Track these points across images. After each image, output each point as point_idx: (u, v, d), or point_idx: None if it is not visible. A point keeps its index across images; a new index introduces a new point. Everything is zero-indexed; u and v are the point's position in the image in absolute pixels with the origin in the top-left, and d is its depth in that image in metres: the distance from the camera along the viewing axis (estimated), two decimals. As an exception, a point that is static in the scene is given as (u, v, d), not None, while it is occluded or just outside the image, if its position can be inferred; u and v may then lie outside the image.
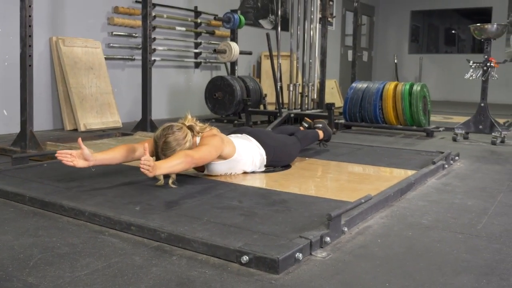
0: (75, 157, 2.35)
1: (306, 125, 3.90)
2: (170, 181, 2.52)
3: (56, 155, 2.38)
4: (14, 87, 4.56)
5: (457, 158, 3.61)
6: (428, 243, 1.90)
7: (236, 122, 5.99)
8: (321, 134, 3.69)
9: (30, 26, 3.51)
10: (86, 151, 2.36)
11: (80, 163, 2.37)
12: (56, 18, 5.11)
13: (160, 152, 2.53)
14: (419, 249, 1.83)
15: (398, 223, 2.13)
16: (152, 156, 2.58)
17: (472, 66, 4.65)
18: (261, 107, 6.64)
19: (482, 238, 1.97)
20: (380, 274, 1.60)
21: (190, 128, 2.63)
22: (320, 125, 3.76)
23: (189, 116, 2.70)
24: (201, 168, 2.79)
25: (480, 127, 4.67)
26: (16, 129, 4.35)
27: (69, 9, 5.21)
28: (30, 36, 3.51)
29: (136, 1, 5.81)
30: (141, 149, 2.60)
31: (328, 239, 1.82)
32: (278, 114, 5.87)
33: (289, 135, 3.39)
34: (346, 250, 1.80)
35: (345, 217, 1.99)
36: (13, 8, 4.46)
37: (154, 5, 5.78)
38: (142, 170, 2.14)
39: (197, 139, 2.66)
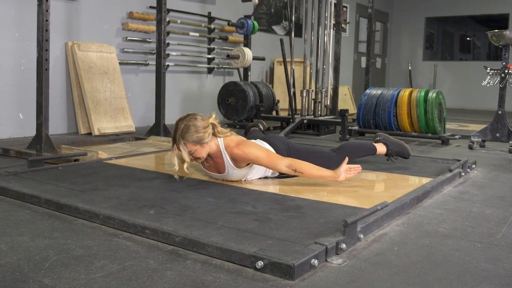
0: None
1: (261, 127, 3.83)
2: (185, 166, 2.59)
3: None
4: (29, 91, 4.61)
5: (474, 166, 3.56)
6: (446, 251, 1.86)
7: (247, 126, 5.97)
8: (380, 147, 3.35)
9: (47, 30, 3.54)
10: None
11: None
12: (72, 23, 5.15)
13: (179, 134, 2.57)
14: (437, 257, 1.80)
15: (415, 231, 2.10)
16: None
17: (490, 73, 4.60)
18: (274, 113, 6.62)
19: (502, 247, 1.93)
20: (397, 282, 1.57)
21: (212, 125, 2.68)
22: (378, 138, 3.42)
23: (214, 116, 2.75)
24: (217, 171, 2.77)
25: (497, 135, 4.61)
26: (31, 132, 4.39)
27: (84, 15, 5.26)
28: (47, 40, 3.54)
29: (150, 7, 5.85)
30: None
31: (344, 245, 1.80)
32: (291, 120, 5.85)
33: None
34: (362, 258, 1.77)
35: (361, 224, 1.97)
36: (30, 13, 4.52)
37: (168, 10, 5.80)
38: (353, 175, 2.65)
39: (219, 141, 2.66)
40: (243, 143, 2.68)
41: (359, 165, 2.71)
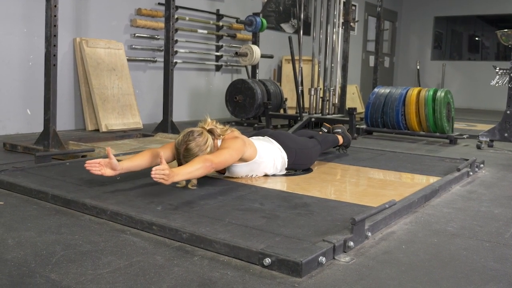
0: (103, 166, 2.36)
1: (326, 130, 3.87)
2: (190, 184, 2.51)
3: (85, 165, 2.37)
4: (37, 86, 4.62)
5: (482, 165, 3.54)
6: (454, 250, 1.85)
7: (256, 125, 5.97)
8: (340, 139, 3.68)
9: (55, 26, 3.54)
10: (114, 161, 2.36)
11: (108, 172, 2.37)
12: (80, 19, 5.16)
13: (182, 158, 2.51)
14: (445, 256, 1.79)
15: (422, 230, 2.09)
16: (172, 160, 2.62)
17: (499, 73, 4.57)
18: (282, 111, 6.61)
19: (510, 247, 1.91)
20: (405, 281, 1.56)
21: (211, 131, 2.61)
22: (339, 130, 3.74)
23: (209, 120, 2.67)
24: (222, 170, 2.78)
25: (506, 135, 4.58)
26: (38, 128, 4.41)
27: (92, 11, 5.27)
28: (55, 35, 3.54)
29: (159, 3, 5.85)
30: (163, 153, 2.59)
31: (351, 243, 1.79)
32: (299, 118, 5.84)
33: (309, 138, 3.36)
34: (369, 256, 1.76)
35: (369, 222, 1.96)
36: (38, 9, 4.53)
37: (177, 7, 5.81)
38: (155, 179, 2.10)
39: (219, 142, 2.64)
40: (230, 138, 2.62)
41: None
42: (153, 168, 2.11)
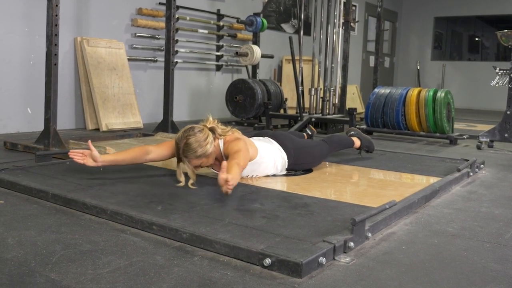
0: (86, 156, 2.52)
1: (310, 133, 3.85)
2: (190, 182, 2.52)
3: (69, 153, 2.53)
4: (38, 86, 4.62)
5: (482, 166, 3.54)
6: (454, 251, 1.85)
7: (256, 125, 5.97)
8: (356, 141, 3.59)
9: (56, 25, 3.54)
10: (95, 153, 2.52)
11: (90, 162, 2.53)
12: (81, 18, 5.16)
13: (181, 153, 2.52)
14: (446, 257, 1.79)
15: (423, 230, 2.09)
16: (168, 158, 2.71)
17: (499, 73, 4.57)
18: (282, 111, 6.61)
19: (510, 248, 1.91)
20: (405, 281, 1.56)
21: (212, 130, 2.62)
22: (353, 132, 3.65)
23: (211, 118, 2.69)
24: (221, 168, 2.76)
25: (506, 135, 4.58)
26: (39, 127, 4.41)
27: (93, 10, 5.27)
28: (56, 35, 3.54)
29: (159, 3, 5.85)
30: (156, 151, 2.65)
31: (351, 244, 1.79)
32: (299, 118, 5.83)
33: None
34: (370, 256, 1.76)
35: (369, 222, 1.96)
36: (39, 8, 4.53)
37: (178, 7, 5.81)
38: (226, 191, 2.14)
39: (219, 142, 2.64)
40: (233, 140, 2.62)
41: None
42: (223, 179, 2.12)
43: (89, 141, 2.58)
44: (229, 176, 2.15)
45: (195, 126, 2.58)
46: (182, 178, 2.54)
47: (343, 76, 6.35)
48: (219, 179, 2.15)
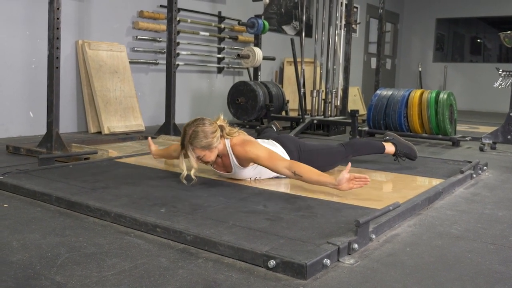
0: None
1: (275, 129, 3.82)
2: (192, 171, 2.55)
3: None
4: (40, 89, 4.63)
5: (485, 168, 3.54)
6: (459, 253, 1.85)
7: (258, 127, 5.96)
8: (389, 147, 3.36)
9: (58, 28, 3.55)
10: (152, 147, 3.15)
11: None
12: (82, 22, 5.17)
13: (187, 140, 2.55)
14: (450, 259, 1.78)
15: (426, 232, 2.09)
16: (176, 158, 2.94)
17: (502, 75, 4.56)
18: (284, 113, 6.61)
19: (515, 249, 1.91)
20: (410, 283, 1.56)
21: (221, 127, 2.66)
22: (388, 138, 3.42)
23: (222, 117, 2.74)
24: (228, 169, 2.77)
25: (509, 137, 4.57)
26: (41, 130, 4.41)
27: (95, 13, 5.27)
28: (57, 38, 3.55)
29: (161, 6, 5.86)
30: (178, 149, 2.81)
31: (356, 246, 1.79)
32: (301, 120, 5.84)
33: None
34: (374, 258, 1.76)
35: (373, 224, 1.96)
36: (41, 11, 4.54)
37: (179, 9, 5.81)
38: (358, 186, 2.41)
39: (226, 142, 2.65)
40: (247, 142, 2.65)
41: (366, 176, 2.42)
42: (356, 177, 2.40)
43: (149, 137, 3.23)
44: (337, 178, 2.41)
45: (207, 118, 2.64)
46: (183, 167, 2.58)
47: (344, 78, 6.35)
48: (345, 176, 2.38)
